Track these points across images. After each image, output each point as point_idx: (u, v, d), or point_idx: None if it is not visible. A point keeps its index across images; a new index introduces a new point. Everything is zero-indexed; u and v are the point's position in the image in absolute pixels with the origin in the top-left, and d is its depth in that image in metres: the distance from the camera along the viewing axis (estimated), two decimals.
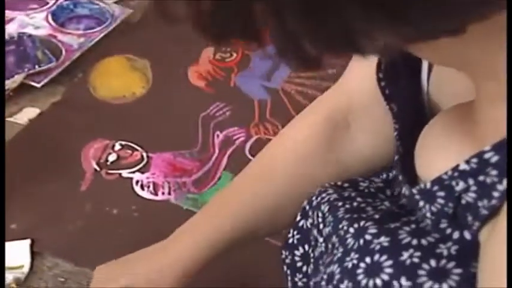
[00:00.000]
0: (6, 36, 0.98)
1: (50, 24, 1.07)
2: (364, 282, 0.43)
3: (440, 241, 0.42)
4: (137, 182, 0.84)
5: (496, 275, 0.33)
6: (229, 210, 0.61)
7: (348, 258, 0.45)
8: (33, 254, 0.75)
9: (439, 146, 0.43)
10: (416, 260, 0.42)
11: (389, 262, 0.43)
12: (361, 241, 0.45)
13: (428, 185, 0.40)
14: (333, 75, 0.99)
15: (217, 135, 0.91)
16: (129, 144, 0.89)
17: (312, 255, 0.56)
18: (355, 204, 0.50)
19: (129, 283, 0.61)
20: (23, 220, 0.79)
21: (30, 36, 0.99)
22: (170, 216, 0.80)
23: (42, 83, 0.96)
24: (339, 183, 0.53)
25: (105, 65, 1.02)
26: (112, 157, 0.87)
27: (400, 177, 0.48)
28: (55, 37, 1.04)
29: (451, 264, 0.40)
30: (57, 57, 0.99)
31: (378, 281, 0.43)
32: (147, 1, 1.15)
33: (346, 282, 0.45)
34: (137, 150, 0.88)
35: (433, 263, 0.41)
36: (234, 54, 1.04)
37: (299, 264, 0.58)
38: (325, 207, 0.52)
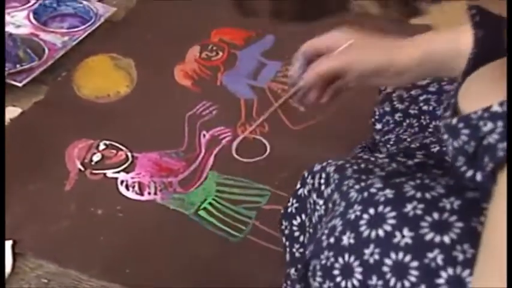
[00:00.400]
0: None
1: (31, 22, 1.05)
2: (366, 233, 0.44)
3: (443, 196, 0.42)
4: (122, 182, 0.83)
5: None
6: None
7: (350, 211, 0.46)
8: (15, 255, 0.74)
9: (481, 90, 0.43)
10: (419, 212, 0.42)
11: (393, 213, 0.43)
12: (365, 194, 0.46)
13: (454, 121, 0.40)
14: None
15: (204, 135, 0.90)
16: (114, 144, 0.88)
17: (307, 224, 0.56)
18: (362, 166, 0.51)
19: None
20: (6, 221, 0.77)
21: (10, 35, 0.98)
22: (156, 216, 0.80)
23: (23, 82, 0.94)
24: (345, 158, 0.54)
25: (89, 64, 1.01)
26: (96, 157, 0.86)
27: (445, 105, 0.48)
28: (37, 36, 1.03)
29: (453, 218, 0.41)
30: (40, 56, 0.98)
31: (381, 232, 0.43)
32: (131, 0, 1.14)
33: (348, 233, 0.45)
34: (122, 150, 0.87)
35: (436, 215, 0.42)
36: (220, 53, 1.03)
37: (296, 234, 0.58)
38: (330, 168, 0.52)
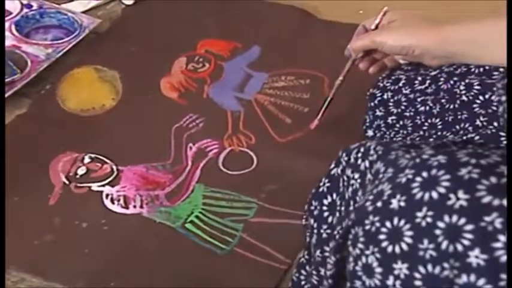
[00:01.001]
0: None
1: (13, 34, 1.04)
2: (419, 195, 0.43)
3: (500, 163, 0.42)
4: (107, 195, 0.82)
5: None
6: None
7: (401, 175, 0.45)
8: None
9: None
10: (475, 175, 0.42)
11: (447, 176, 0.43)
12: (417, 160, 0.45)
13: None
14: (305, 85, 0.99)
15: (190, 147, 0.90)
16: (99, 157, 0.87)
17: (338, 202, 0.57)
18: (408, 142, 0.51)
19: None
20: None
21: None
22: (142, 229, 0.79)
23: (6, 96, 0.93)
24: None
25: (74, 76, 1.00)
26: (81, 170, 0.85)
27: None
28: (19, 48, 1.02)
29: None
30: (22, 69, 0.97)
31: (434, 194, 0.43)
32: (116, 11, 1.13)
33: (398, 196, 0.44)
34: (107, 163, 0.86)
35: (493, 179, 0.41)
36: (207, 65, 1.03)
37: (325, 214, 0.59)
38: (372, 144, 0.52)
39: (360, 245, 0.47)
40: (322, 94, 0.96)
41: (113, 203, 0.82)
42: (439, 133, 0.76)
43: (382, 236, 0.45)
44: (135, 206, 0.81)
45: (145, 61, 1.02)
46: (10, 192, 0.81)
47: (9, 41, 1.03)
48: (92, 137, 0.90)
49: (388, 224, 0.45)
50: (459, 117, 0.74)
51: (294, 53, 1.05)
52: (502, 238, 0.40)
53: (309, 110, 0.95)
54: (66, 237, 0.77)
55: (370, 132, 0.83)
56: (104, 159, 0.87)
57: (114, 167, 0.86)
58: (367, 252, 0.46)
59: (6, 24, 1.06)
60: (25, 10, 1.09)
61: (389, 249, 0.45)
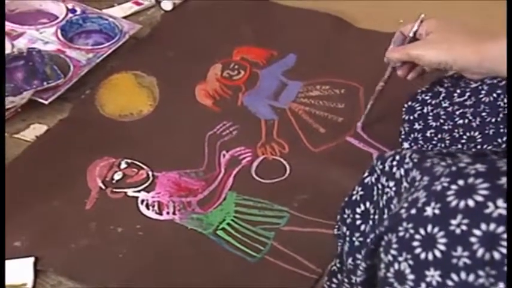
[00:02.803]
0: (15, 51, 0.99)
1: (58, 39, 1.07)
2: (454, 203, 0.43)
3: None
4: (142, 201, 0.84)
5: None
6: None
7: (436, 183, 0.45)
8: (37, 272, 0.75)
9: None
10: None
11: (486, 185, 0.42)
12: (454, 168, 0.45)
13: None
14: (340, 95, 0.99)
15: (224, 155, 0.90)
16: (135, 162, 0.89)
17: (372, 211, 0.57)
18: (444, 151, 0.51)
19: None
20: (26, 238, 0.78)
21: (39, 51, 0.99)
22: (174, 235, 0.80)
23: (49, 100, 0.96)
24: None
25: (113, 81, 1.02)
26: (118, 175, 0.87)
27: None
28: (63, 52, 1.04)
29: None
30: (65, 73, 0.99)
31: (470, 202, 0.42)
32: (155, 17, 1.15)
33: (433, 204, 0.44)
34: (143, 168, 0.88)
35: None
36: (242, 72, 1.03)
37: (358, 222, 0.59)
38: (407, 152, 0.52)
39: (393, 252, 0.47)
40: (357, 104, 0.96)
41: (148, 208, 0.83)
42: (479, 146, 0.74)
43: (415, 243, 0.45)
44: (168, 213, 0.83)
45: (182, 67, 1.04)
46: (49, 196, 0.84)
47: (54, 46, 1.05)
48: (128, 143, 0.91)
49: (422, 231, 0.45)
50: (501, 130, 0.73)
51: (329, 61, 1.04)
52: None
53: (344, 120, 0.95)
54: (102, 241, 0.79)
55: (406, 145, 0.83)
56: (140, 164, 0.88)
57: (150, 173, 0.87)
58: (400, 258, 0.46)
59: (53, 29, 1.08)
60: (70, 15, 1.11)
61: (423, 256, 0.45)
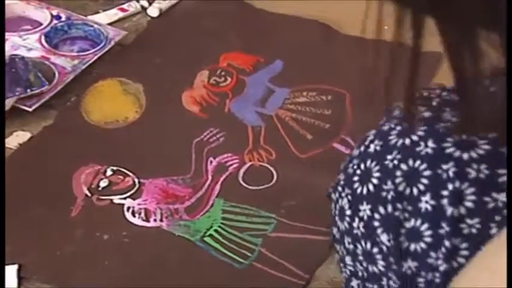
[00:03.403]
0: None
1: (42, 45, 1.06)
2: (393, 141, 0.44)
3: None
4: (128, 208, 0.83)
5: None
6: None
7: (386, 124, 0.46)
8: (20, 279, 0.75)
9: None
10: (445, 130, 0.42)
11: (424, 128, 0.43)
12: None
13: None
14: (327, 102, 0.99)
15: (211, 162, 0.90)
16: (121, 169, 0.88)
17: None
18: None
19: None
20: (10, 245, 0.77)
21: (22, 58, 0.98)
22: (161, 242, 0.80)
23: (34, 107, 0.95)
24: None
25: (98, 88, 1.02)
26: (103, 183, 0.86)
27: None
28: (48, 59, 1.03)
29: None
30: (50, 80, 0.99)
31: (407, 141, 0.44)
32: (141, 23, 1.15)
33: (376, 141, 0.45)
34: (129, 175, 0.87)
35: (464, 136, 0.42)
36: (229, 79, 1.03)
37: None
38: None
39: (339, 188, 0.48)
40: (344, 110, 0.96)
41: (134, 216, 0.83)
42: None
43: (355, 178, 0.46)
44: (155, 220, 0.82)
45: (169, 74, 1.03)
46: (34, 204, 0.83)
47: (38, 52, 1.04)
48: (114, 150, 0.91)
49: (362, 166, 0.46)
50: None
51: (316, 68, 1.05)
52: (450, 187, 0.41)
53: (330, 126, 0.95)
54: (88, 248, 0.79)
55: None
56: (126, 172, 0.88)
57: (136, 180, 0.87)
58: (343, 194, 0.47)
59: (36, 36, 1.07)
60: (54, 21, 1.10)
61: (359, 190, 0.45)
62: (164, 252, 0.79)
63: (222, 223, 0.82)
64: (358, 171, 0.46)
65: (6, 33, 1.06)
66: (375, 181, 0.45)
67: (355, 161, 0.47)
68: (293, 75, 1.03)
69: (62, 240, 0.79)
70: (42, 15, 1.11)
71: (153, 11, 1.16)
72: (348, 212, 0.46)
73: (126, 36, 1.10)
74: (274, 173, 0.89)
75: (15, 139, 0.92)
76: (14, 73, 0.96)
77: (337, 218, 0.48)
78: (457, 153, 0.42)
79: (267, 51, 1.07)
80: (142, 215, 0.83)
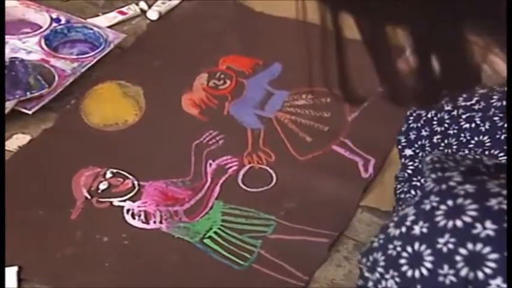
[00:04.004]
0: None
1: (42, 48, 1.06)
2: (442, 223, 0.43)
3: None
4: (128, 210, 0.84)
5: None
6: None
7: (426, 201, 0.45)
8: (20, 281, 0.75)
9: None
10: (504, 206, 0.41)
11: (474, 206, 0.42)
12: (444, 186, 0.45)
13: None
14: (326, 104, 1.00)
15: (210, 164, 0.90)
16: (121, 172, 0.88)
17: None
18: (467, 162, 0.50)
19: None
20: (10, 247, 0.77)
21: (22, 61, 0.98)
22: (160, 244, 0.80)
23: (33, 110, 0.95)
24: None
25: (98, 91, 1.02)
26: (103, 185, 0.86)
27: None
28: (47, 62, 1.03)
29: None
30: (50, 83, 0.99)
31: (458, 222, 0.42)
32: (141, 26, 1.15)
33: (421, 223, 0.44)
34: (128, 178, 0.88)
35: None
36: (228, 82, 1.04)
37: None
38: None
39: (380, 269, 0.47)
40: (343, 113, 0.97)
41: (134, 218, 0.83)
42: (487, 152, 0.74)
43: (402, 261, 0.45)
44: (155, 222, 0.83)
45: (168, 77, 1.04)
46: (34, 206, 0.83)
47: (38, 55, 1.04)
48: (114, 152, 0.91)
49: (409, 248, 0.45)
50: None
51: (315, 71, 1.05)
52: None
53: (329, 129, 0.95)
54: (88, 251, 0.79)
55: (409, 152, 0.82)
56: (126, 174, 0.88)
57: (136, 183, 0.87)
58: (387, 276, 0.46)
59: (36, 38, 1.07)
60: (54, 24, 1.10)
61: (409, 273, 0.45)
62: (164, 254, 0.79)
63: (221, 225, 0.82)
64: (405, 254, 0.45)
65: (6, 36, 1.07)
66: (428, 265, 0.44)
67: (397, 243, 0.46)
68: (292, 78, 1.03)
69: (62, 242, 0.79)
70: (42, 18, 1.11)
71: (153, 14, 1.16)
72: None
73: (126, 39, 1.10)
74: (274, 175, 0.89)
75: (15, 142, 0.92)
76: (13, 76, 0.96)
77: None
78: None
79: (266, 54, 1.08)
80: (142, 217, 0.83)
